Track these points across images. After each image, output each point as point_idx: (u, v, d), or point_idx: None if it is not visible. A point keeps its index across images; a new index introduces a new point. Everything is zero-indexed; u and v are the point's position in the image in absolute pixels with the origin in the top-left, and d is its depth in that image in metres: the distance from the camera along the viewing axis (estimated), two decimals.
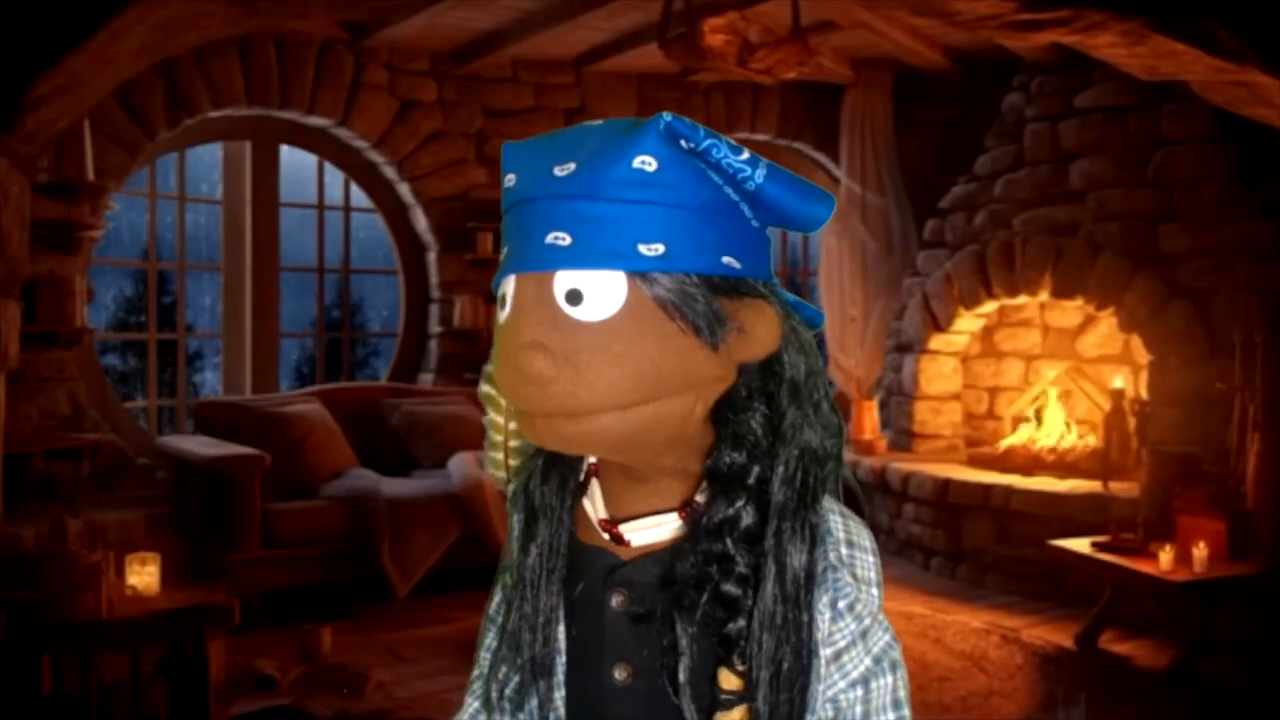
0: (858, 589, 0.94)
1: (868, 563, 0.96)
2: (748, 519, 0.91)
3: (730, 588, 0.90)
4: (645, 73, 7.13)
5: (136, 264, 8.88)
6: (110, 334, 11.53)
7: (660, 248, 0.86)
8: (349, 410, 6.12)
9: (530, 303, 0.87)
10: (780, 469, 0.92)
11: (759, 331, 0.91)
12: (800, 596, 0.91)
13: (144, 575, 3.69)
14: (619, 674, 0.96)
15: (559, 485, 0.99)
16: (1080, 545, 4.83)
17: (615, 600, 0.96)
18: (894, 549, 6.31)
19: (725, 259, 0.89)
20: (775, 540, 0.91)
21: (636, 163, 0.86)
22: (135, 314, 12.24)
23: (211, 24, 4.73)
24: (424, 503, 5.37)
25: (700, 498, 0.95)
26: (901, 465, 6.34)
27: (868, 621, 0.94)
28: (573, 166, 0.86)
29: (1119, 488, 5.40)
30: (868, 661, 0.94)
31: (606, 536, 0.97)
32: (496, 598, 1.09)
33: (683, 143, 0.87)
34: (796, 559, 0.91)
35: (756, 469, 0.92)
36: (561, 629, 0.99)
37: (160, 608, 3.62)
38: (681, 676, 0.90)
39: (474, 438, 6.08)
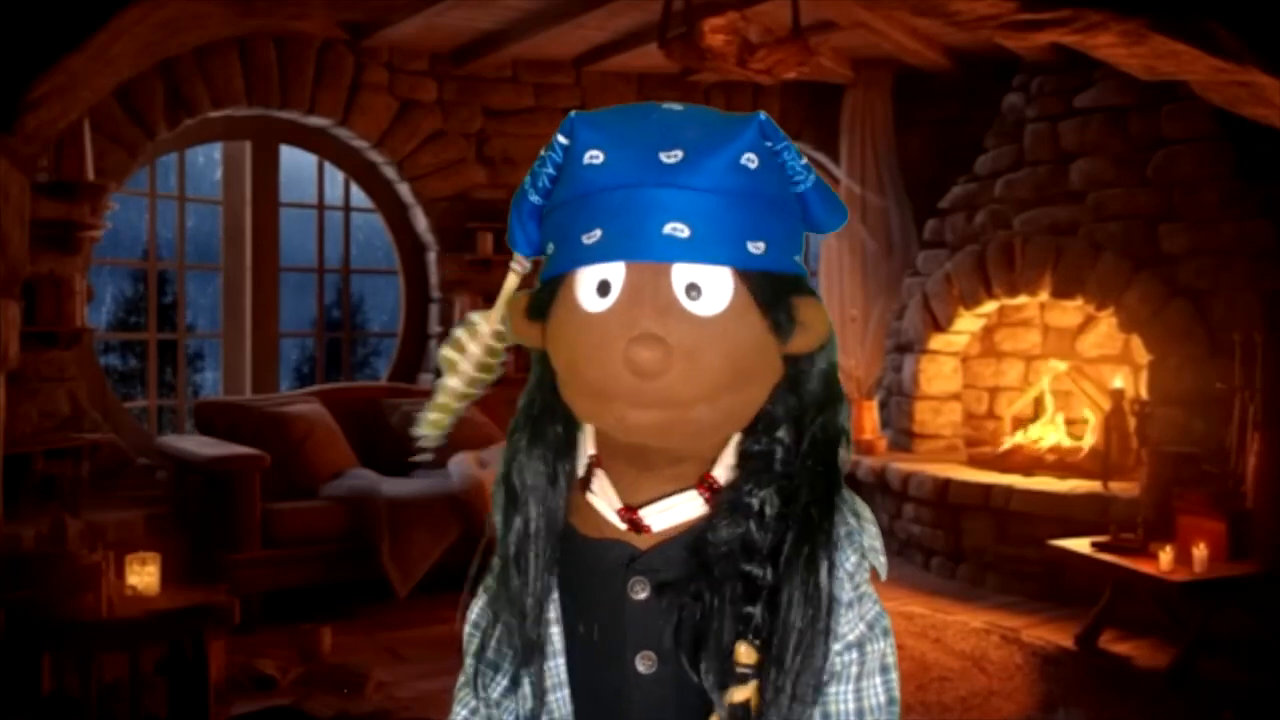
0: (864, 556, 0.97)
1: (873, 532, 0.99)
2: (773, 503, 0.93)
3: (753, 568, 0.91)
4: (645, 73, 7.13)
5: (136, 264, 8.89)
6: (110, 334, 11.53)
7: (762, 245, 0.88)
8: (349, 410, 6.12)
9: (647, 293, 0.86)
10: (809, 452, 0.94)
11: (816, 327, 0.93)
12: (824, 575, 0.93)
13: (144, 575, 3.69)
14: (642, 665, 0.96)
15: (544, 469, 0.99)
16: (1080, 545, 4.83)
17: (638, 590, 0.95)
18: (894, 549, 6.31)
19: (796, 258, 0.93)
20: (804, 521, 0.93)
21: (743, 159, 0.87)
22: (135, 314, 12.24)
23: (211, 24, 4.72)
24: (424, 503, 5.36)
25: (719, 474, 0.95)
26: (901, 465, 6.34)
27: (864, 589, 0.97)
28: (680, 154, 0.86)
29: (1119, 488, 5.40)
30: (862, 627, 0.96)
31: (623, 526, 0.96)
32: (480, 604, 1.08)
33: (769, 143, 0.89)
34: (823, 539, 0.93)
35: (782, 452, 0.94)
36: (557, 629, 0.99)
37: (160, 608, 3.61)
38: (707, 655, 0.91)
39: (474, 438, 6.08)
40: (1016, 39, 4.83)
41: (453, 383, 1.05)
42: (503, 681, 1.02)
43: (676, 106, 0.92)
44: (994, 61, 6.45)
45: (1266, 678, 4.31)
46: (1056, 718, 3.98)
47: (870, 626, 0.97)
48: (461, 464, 5.69)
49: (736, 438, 0.95)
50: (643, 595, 0.95)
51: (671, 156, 0.86)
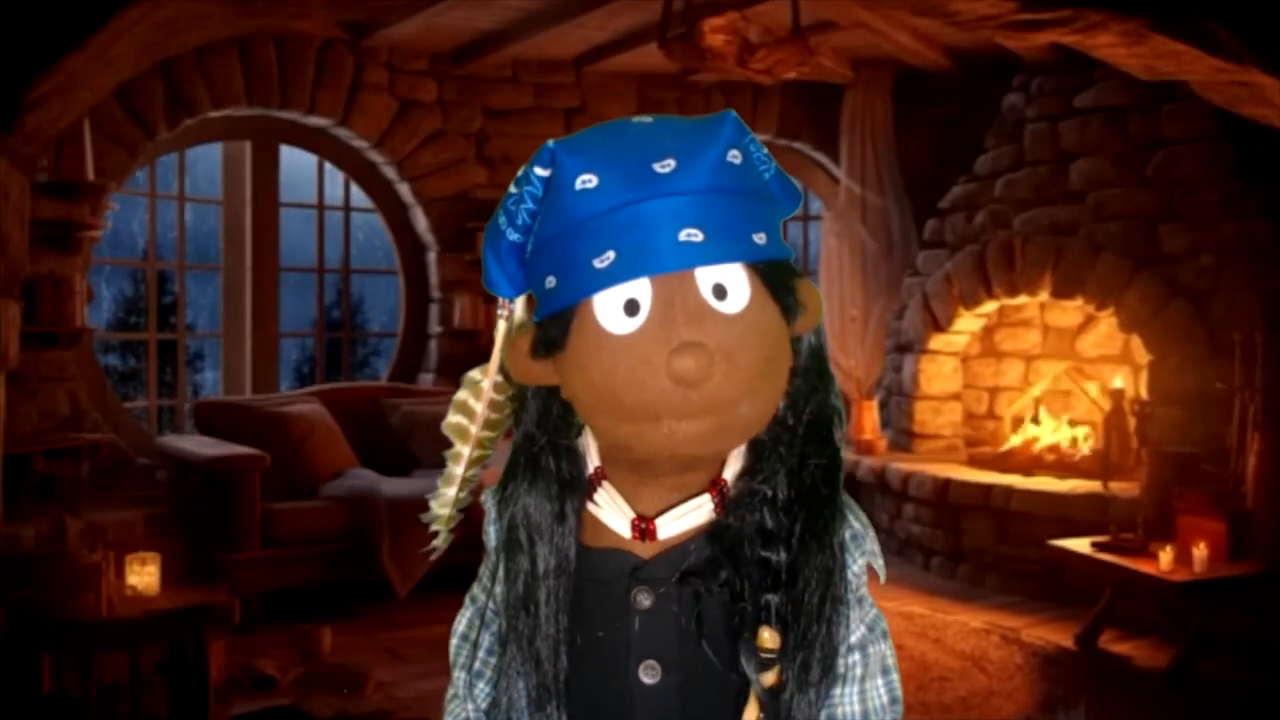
0: (866, 560, 0.99)
1: (872, 536, 1.00)
2: (784, 488, 0.93)
3: (770, 554, 0.92)
4: (645, 73, 7.13)
5: (136, 264, 8.89)
6: (110, 334, 11.53)
7: (764, 236, 0.89)
8: (349, 410, 6.12)
9: (677, 303, 0.86)
10: (808, 434, 0.95)
11: (815, 307, 0.94)
12: (839, 558, 0.95)
13: (144, 575, 3.69)
14: (646, 675, 0.95)
15: (550, 507, 0.97)
16: (1080, 545, 4.82)
17: (641, 599, 0.95)
18: (894, 549, 6.32)
19: (785, 242, 0.93)
20: (812, 499, 0.94)
21: (729, 156, 0.88)
22: (135, 314, 12.24)
23: (211, 24, 4.72)
24: (424, 503, 5.35)
25: (728, 475, 0.95)
26: (901, 465, 6.34)
27: (863, 592, 0.99)
28: (673, 163, 0.86)
29: (1119, 488, 5.40)
30: (862, 629, 0.98)
31: (629, 535, 0.95)
32: (467, 615, 1.08)
33: (744, 139, 0.91)
34: (835, 523, 0.95)
35: (786, 435, 0.94)
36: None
37: (160, 608, 3.62)
38: (744, 641, 0.92)
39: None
40: (1016, 39, 4.83)
41: (465, 450, 1.05)
42: (490, 691, 1.03)
43: (647, 119, 0.92)
44: (994, 61, 6.45)
45: (1266, 678, 4.31)
46: (1056, 718, 3.98)
47: (870, 629, 0.99)
48: None
49: None
50: (646, 604, 0.94)
51: (664, 166, 0.85)
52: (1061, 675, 4.39)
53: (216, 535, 5.12)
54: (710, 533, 0.94)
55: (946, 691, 4.21)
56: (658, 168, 0.85)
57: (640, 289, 0.86)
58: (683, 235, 0.85)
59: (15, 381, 4.71)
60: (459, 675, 1.06)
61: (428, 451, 6.02)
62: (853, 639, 0.97)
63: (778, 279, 0.91)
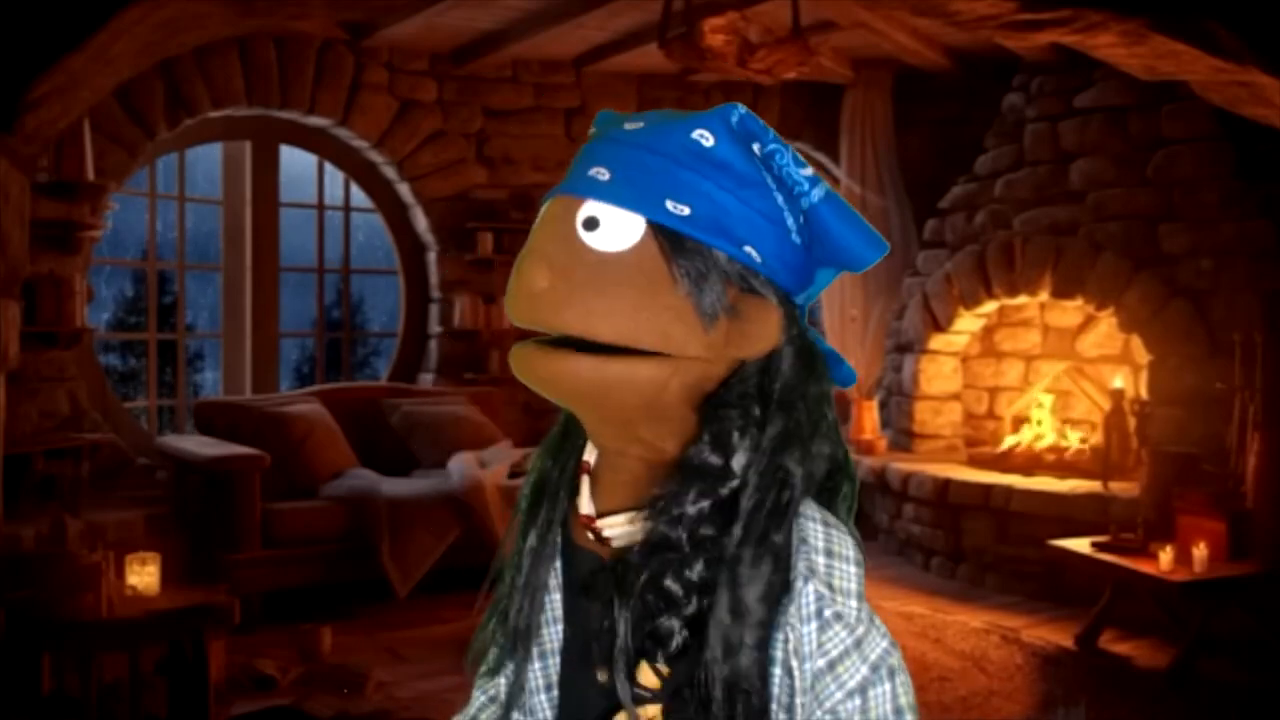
0: (832, 620, 0.88)
1: (847, 573, 0.90)
2: (707, 525, 0.88)
3: (670, 584, 0.87)
4: (645, 73, 7.13)
5: (136, 264, 8.89)
6: (110, 334, 11.54)
7: (686, 210, 0.87)
8: (349, 410, 6.12)
9: (551, 221, 0.89)
10: (753, 482, 0.89)
11: (757, 327, 0.89)
12: (754, 614, 0.87)
13: (144, 575, 3.69)
14: (601, 674, 0.94)
15: (561, 468, 1.01)
16: (1080, 545, 4.83)
17: (594, 602, 0.95)
18: (894, 549, 6.32)
19: (747, 248, 0.89)
20: (735, 555, 0.87)
21: (695, 134, 0.89)
22: (135, 314, 12.25)
23: (211, 24, 4.72)
24: (424, 503, 5.36)
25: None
26: (901, 465, 6.34)
27: (861, 630, 0.89)
28: (641, 124, 0.91)
29: (1119, 488, 5.40)
30: (864, 670, 0.89)
31: (591, 536, 0.96)
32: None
33: (755, 146, 0.90)
34: (752, 577, 0.87)
35: (727, 473, 0.89)
36: (560, 627, 0.99)
37: (160, 608, 3.62)
38: (616, 658, 0.88)
39: (474, 438, 6.08)
40: (1016, 39, 4.83)
41: None
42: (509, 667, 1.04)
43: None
44: (994, 61, 6.45)
45: (1266, 678, 4.31)
46: (1056, 718, 3.99)
47: (874, 668, 0.90)
48: (461, 464, 5.68)
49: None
50: (598, 607, 0.94)
51: (633, 125, 0.91)
52: (1061, 675, 4.39)
53: (216, 535, 5.12)
54: (639, 548, 0.90)
55: (946, 691, 4.21)
56: (628, 125, 0.91)
57: (544, 208, 0.92)
58: (592, 170, 0.89)
59: (15, 381, 4.71)
60: (492, 651, 1.07)
61: (428, 451, 6.02)
62: (852, 682, 0.89)
63: (691, 259, 0.87)
